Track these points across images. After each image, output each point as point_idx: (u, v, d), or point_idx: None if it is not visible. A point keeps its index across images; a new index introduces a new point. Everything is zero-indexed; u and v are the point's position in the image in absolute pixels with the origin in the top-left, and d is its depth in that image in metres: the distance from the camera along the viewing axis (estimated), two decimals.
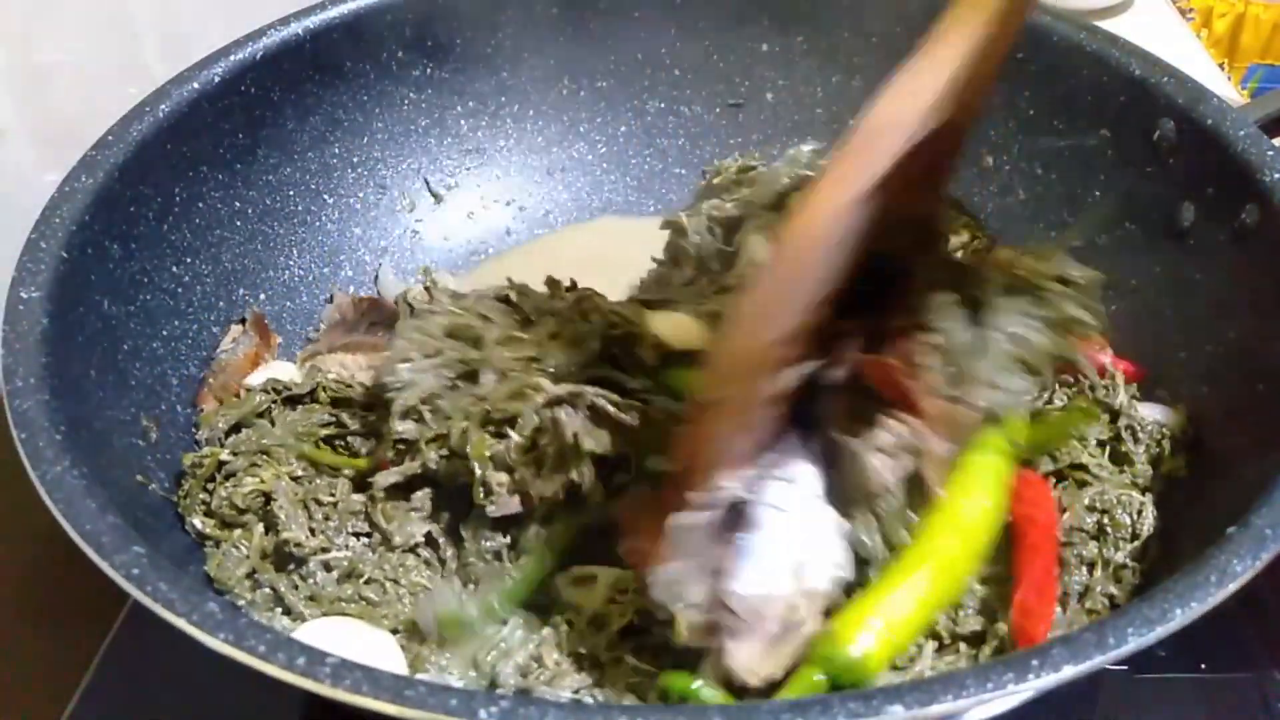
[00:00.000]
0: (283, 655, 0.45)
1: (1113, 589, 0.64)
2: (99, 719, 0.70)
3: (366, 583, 0.64)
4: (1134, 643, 0.45)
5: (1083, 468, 0.70)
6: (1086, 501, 0.67)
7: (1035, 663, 0.44)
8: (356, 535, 0.67)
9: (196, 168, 0.78)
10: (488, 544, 0.65)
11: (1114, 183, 0.82)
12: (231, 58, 0.80)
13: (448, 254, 0.97)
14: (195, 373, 0.75)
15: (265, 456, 0.70)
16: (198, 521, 0.67)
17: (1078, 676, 0.44)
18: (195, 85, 0.78)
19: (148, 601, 0.48)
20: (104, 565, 0.49)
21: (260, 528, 0.67)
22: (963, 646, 0.60)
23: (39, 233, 0.65)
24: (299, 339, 0.86)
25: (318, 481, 0.69)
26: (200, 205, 0.79)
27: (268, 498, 0.67)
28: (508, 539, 0.65)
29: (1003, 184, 0.90)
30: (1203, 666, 0.71)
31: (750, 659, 0.53)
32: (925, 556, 0.60)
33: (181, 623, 0.47)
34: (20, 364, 0.59)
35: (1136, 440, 0.71)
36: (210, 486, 0.69)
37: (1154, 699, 0.71)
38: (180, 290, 0.76)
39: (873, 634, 0.56)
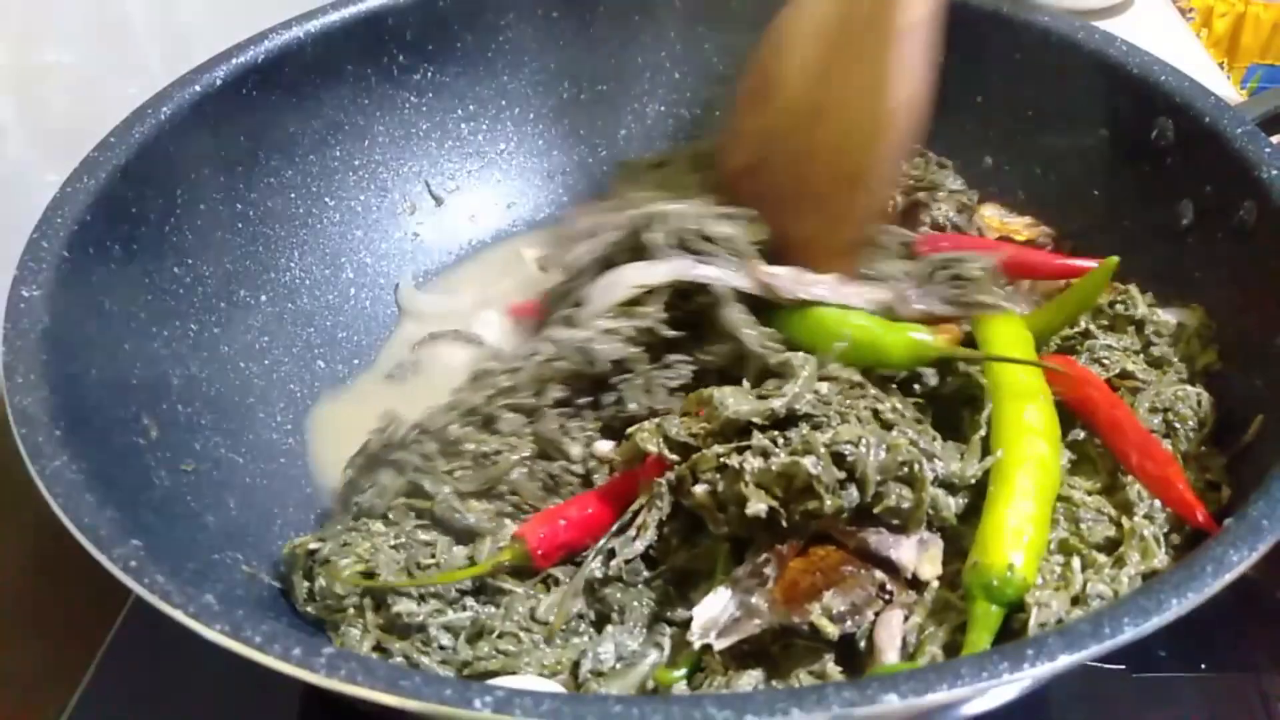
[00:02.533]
0: (279, 646, 0.45)
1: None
2: (99, 719, 0.71)
3: (499, 637, 0.62)
4: (1130, 633, 0.45)
5: (1130, 375, 0.72)
6: (1147, 406, 0.69)
7: (1030, 652, 0.44)
8: (463, 592, 0.65)
9: (198, 169, 0.79)
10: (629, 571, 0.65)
11: (1113, 182, 0.82)
12: (233, 60, 0.81)
13: (448, 257, 0.97)
14: (196, 372, 0.75)
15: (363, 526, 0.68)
16: (310, 609, 0.65)
17: (1073, 666, 0.44)
18: (197, 88, 0.78)
19: (145, 594, 0.48)
20: (102, 558, 0.49)
21: (369, 602, 0.64)
22: (1100, 556, 0.62)
23: (40, 232, 0.66)
24: (299, 340, 0.86)
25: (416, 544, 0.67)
26: (201, 207, 0.79)
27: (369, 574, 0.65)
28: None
29: (1003, 184, 0.90)
30: (1203, 666, 0.71)
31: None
32: (1018, 460, 0.62)
33: (179, 614, 0.47)
34: (21, 362, 0.59)
35: (1167, 343, 0.74)
36: (310, 571, 0.66)
37: (1154, 699, 0.70)
38: (181, 291, 0.76)
39: (1018, 548, 0.58)
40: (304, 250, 0.88)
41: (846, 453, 0.59)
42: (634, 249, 0.75)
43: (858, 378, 0.66)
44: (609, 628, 0.63)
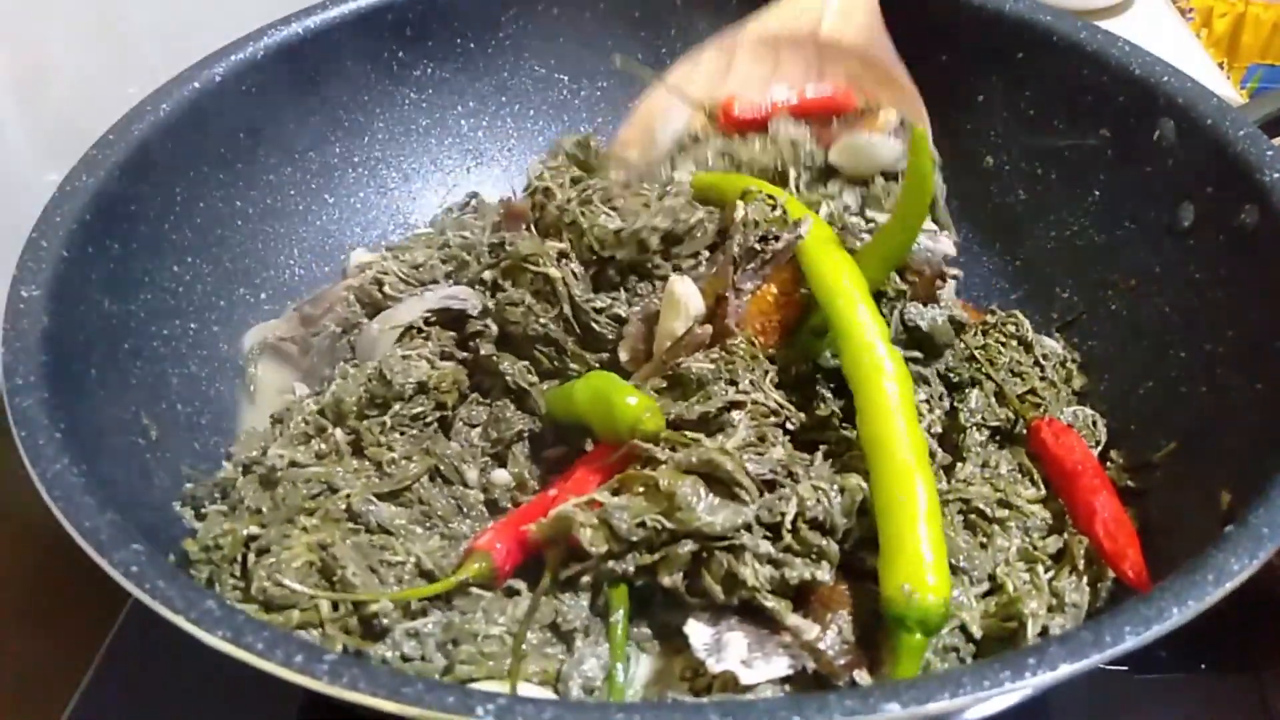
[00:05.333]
0: (280, 652, 0.45)
1: None
2: (99, 719, 0.71)
3: (483, 640, 0.59)
4: (1131, 641, 0.45)
5: (1035, 392, 0.76)
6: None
7: (1032, 661, 0.44)
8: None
9: (197, 167, 0.79)
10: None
11: (1114, 182, 0.82)
12: (232, 57, 0.80)
13: None
14: (196, 371, 0.75)
15: (308, 517, 0.63)
16: (241, 604, 0.59)
17: (1074, 675, 0.44)
18: (196, 85, 0.78)
19: (146, 599, 0.48)
20: (103, 562, 0.49)
21: (325, 604, 0.59)
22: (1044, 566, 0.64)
23: (40, 231, 0.65)
24: None
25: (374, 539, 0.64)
26: (201, 205, 0.79)
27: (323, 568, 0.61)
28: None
29: (1003, 184, 0.90)
30: (1203, 666, 0.71)
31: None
32: (897, 478, 0.58)
33: (180, 620, 0.47)
34: (20, 362, 0.59)
35: (1052, 366, 0.78)
36: (241, 565, 0.62)
37: (1154, 699, 0.71)
38: (181, 289, 0.76)
39: (929, 570, 0.55)
40: (304, 248, 0.88)
41: (820, 514, 0.59)
42: None
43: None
44: (580, 642, 0.60)
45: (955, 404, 0.73)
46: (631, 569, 0.60)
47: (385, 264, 0.82)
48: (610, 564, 0.60)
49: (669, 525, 0.59)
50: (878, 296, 0.70)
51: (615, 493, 0.61)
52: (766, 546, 0.58)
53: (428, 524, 0.68)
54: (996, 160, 0.90)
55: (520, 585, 0.63)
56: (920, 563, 0.55)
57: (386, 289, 0.80)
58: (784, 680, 0.57)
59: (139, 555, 0.49)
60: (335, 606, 0.59)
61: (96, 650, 0.73)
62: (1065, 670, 0.44)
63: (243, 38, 0.82)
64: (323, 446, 0.68)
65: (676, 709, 0.42)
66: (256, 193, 0.84)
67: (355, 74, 0.90)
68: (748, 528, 0.59)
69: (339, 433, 0.69)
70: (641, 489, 0.61)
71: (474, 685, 0.55)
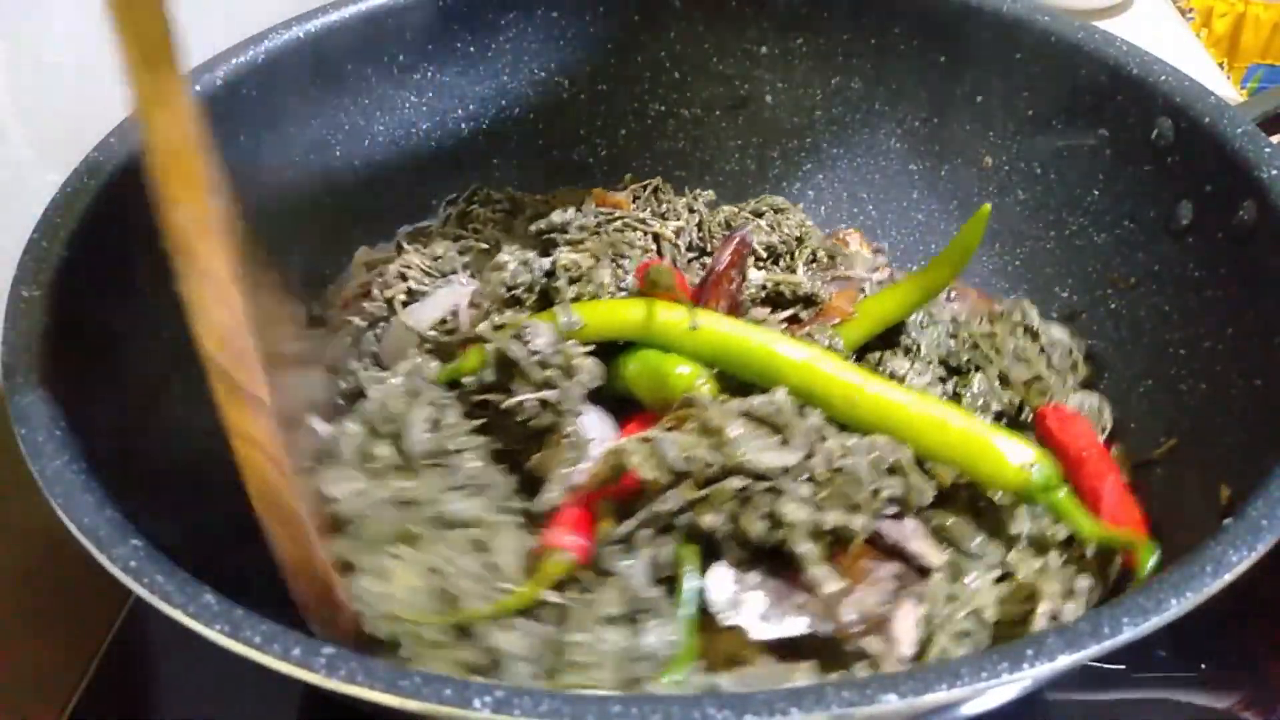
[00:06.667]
0: (278, 646, 0.45)
1: None
2: (99, 719, 0.71)
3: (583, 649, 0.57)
4: (1129, 632, 0.45)
5: (1041, 379, 0.76)
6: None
7: (1030, 652, 0.44)
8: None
9: None
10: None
11: (1113, 182, 0.82)
12: (233, 61, 0.81)
13: None
14: (196, 371, 0.75)
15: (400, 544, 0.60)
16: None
17: (1073, 666, 0.44)
18: (196, 88, 0.78)
19: (145, 594, 0.48)
20: (102, 558, 0.49)
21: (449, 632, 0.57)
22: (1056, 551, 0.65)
23: (40, 232, 0.65)
24: None
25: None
26: None
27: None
28: None
29: (1002, 184, 0.90)
30: (1203, 666, 0.71)
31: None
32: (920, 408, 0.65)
33: (178, 614, 0.47)
34: (20, 361, 0.59)
35: (1058, 354, 0.79)
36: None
37: (1154, 699, 0.71)
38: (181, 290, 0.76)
39: (1017, 445, 0.63)
40: (304, 250, 0.88)
41: (846, 466, 0.61)
42: None
43: None
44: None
45: (958, 389, 0.75)
46: (678, 505, 0.61)
47: (408, 256, 0.81)
48: (658, 504, 0.61)
49: (717, 459, 0.61)
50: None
51: (668, 430, 0.64)
52: (807, 490, 0.60)
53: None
54: (995, 160, 0.90)
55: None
56: (1004, 449, 0.62)
57: (411, 284, 0.79)
58: (788, 641, 0.59)
59: (138, 550, 0.49)
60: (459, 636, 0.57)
61: (96, 650, 0.73)
62: (1064, 661, 0.43)
63: (243, 41, 0.82)
64: (377, 465, 0.66)
65: (674, 700, 0.42)
66: (256, 195, 0.84)
67: (355, 77, 0.90)
68: (792, 472, 0.61)
69: (385, 448, 0.66)
70: (692, 426, 0.63)
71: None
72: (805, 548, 0.60)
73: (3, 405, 0.57)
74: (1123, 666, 0.69)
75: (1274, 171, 0.68)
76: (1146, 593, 0.46)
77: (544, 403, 0.68)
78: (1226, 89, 1.27)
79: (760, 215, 0.94)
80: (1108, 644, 0.44)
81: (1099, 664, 0.46)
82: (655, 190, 0.98)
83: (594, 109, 0.99)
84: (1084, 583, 0.63)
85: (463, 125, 0.97)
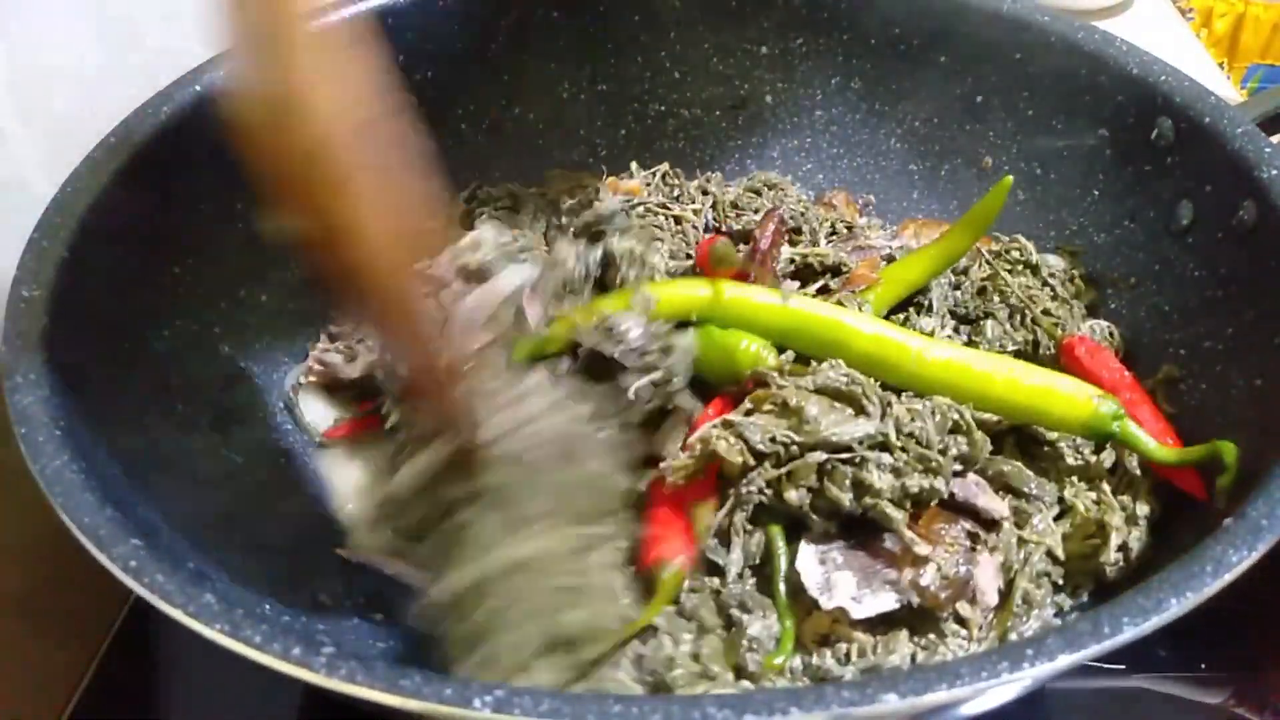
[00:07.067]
0: (278, 645, 0.45)
1: None
2: (99, 719, 0.71)
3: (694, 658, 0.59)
4: (1129, 632, 0.45)
5: (1049, 313, 0.80)
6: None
7: (1030, 652, 0.44)
8: None
9: (199, 169, 0.78)
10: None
11: (1113, 182, 0.82)
12: (235, 61, 0.80)
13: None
14: (196, 371, 0.75)
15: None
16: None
17: (1073, 665, 0.44)
18: (198, 88, 0.78)
19: (145, 593, 0.48)
20: (102, 558, 0.49)
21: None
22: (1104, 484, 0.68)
23: (40, 232, 0.65)
24: (301, 337, 0.86)
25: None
26: (202, 207, 0.79)
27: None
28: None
29: None
30: (1203, 666, 0.71)
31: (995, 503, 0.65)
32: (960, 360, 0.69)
33: (178, 613, 0.46)
34: (21, 361, 0.59)
35: (1059, 283, 0.82)
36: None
37: (1154, 698, 0.70)
38: (182, 290, 0.76)
39: (1081, 387, 0.66)
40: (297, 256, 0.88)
41: (916, 430, 0.64)
42: None
43: None
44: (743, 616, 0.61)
45: (972, 337, 0.78)
46: (763, 484, 0.63)
47: (482, 233, 0.78)
48: (744, 486, 0.63)
49: (798, 438, 0.63)
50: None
51: (747, 414, 0.66)
52: (887, 458, 0.62)
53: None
54: (995, 160, 0.90)
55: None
56: (1069, 389, 0.66)
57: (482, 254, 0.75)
58: (887, 615, 0.60)
59: (138, 550, 0.49)
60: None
61: (96, 650, 0.73)
62: (1064, 661, 0.43)
63: None
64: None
65: (674, 701, 0.42)
66: (257, 194, 0.84)
67: None
68: (871, 441, 0.63)
69: None
70: (771, 408, 0.65)
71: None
72: (894, 513, 0.61)
73: (3, 405, 0.57)
74: (1123, 666, 0.69)
75: (1274, 171, 0.68)
76: (1147, 592, 0.46)
77: (654, 384, 0.69)
78: (1226, 89, 1.27)
79: (758, 193, 0.96)
80: (1108, 644, 0.44)
81: (1099, 663, 0.46)
82: (664, 176, 0.98)
83: (594, 109, 0.99)
84: (1143, 508, 0.66)
85: (462, 126, 0.97)
